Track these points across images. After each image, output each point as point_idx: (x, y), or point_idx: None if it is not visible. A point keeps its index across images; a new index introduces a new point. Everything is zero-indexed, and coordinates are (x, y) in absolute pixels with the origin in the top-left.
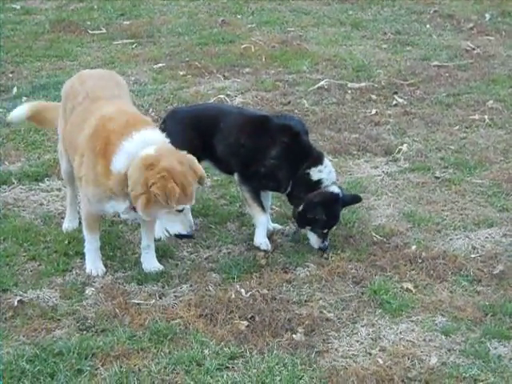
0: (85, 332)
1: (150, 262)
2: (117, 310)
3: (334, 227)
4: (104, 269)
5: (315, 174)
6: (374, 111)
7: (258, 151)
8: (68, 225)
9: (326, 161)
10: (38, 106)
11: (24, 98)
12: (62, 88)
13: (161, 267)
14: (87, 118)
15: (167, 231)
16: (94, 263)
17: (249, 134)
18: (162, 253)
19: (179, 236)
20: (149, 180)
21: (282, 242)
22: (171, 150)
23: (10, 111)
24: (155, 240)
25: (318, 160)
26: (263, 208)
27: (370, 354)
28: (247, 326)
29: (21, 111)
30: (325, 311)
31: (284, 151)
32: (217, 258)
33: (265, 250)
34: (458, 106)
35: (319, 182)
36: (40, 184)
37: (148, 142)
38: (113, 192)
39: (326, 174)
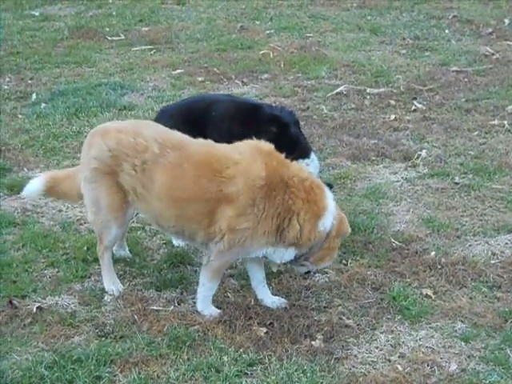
0: (103, 338)
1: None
2: (135, 317)
3: None
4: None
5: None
6: (392, 117)
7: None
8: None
9: (313, 156)
10: (54, 178)
11: (43, 105)
12: (94, 151)
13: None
14: (211, 166)
15: (307, 272)
16: (209, 307)
17: (240, 122)
18: (181, 259)
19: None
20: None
21: None
22: None
23: (30, 117)
24: (173, 247)
25: (304, 153)
26: None
27: (390, 361)
28: (266, 333)
29: (35, 186)
30: (344, 318)
31: (271, 141)
32: (235, 264)
33: None
34: (478, 112)
35: None
36: None
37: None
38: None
39: (312, 169)
